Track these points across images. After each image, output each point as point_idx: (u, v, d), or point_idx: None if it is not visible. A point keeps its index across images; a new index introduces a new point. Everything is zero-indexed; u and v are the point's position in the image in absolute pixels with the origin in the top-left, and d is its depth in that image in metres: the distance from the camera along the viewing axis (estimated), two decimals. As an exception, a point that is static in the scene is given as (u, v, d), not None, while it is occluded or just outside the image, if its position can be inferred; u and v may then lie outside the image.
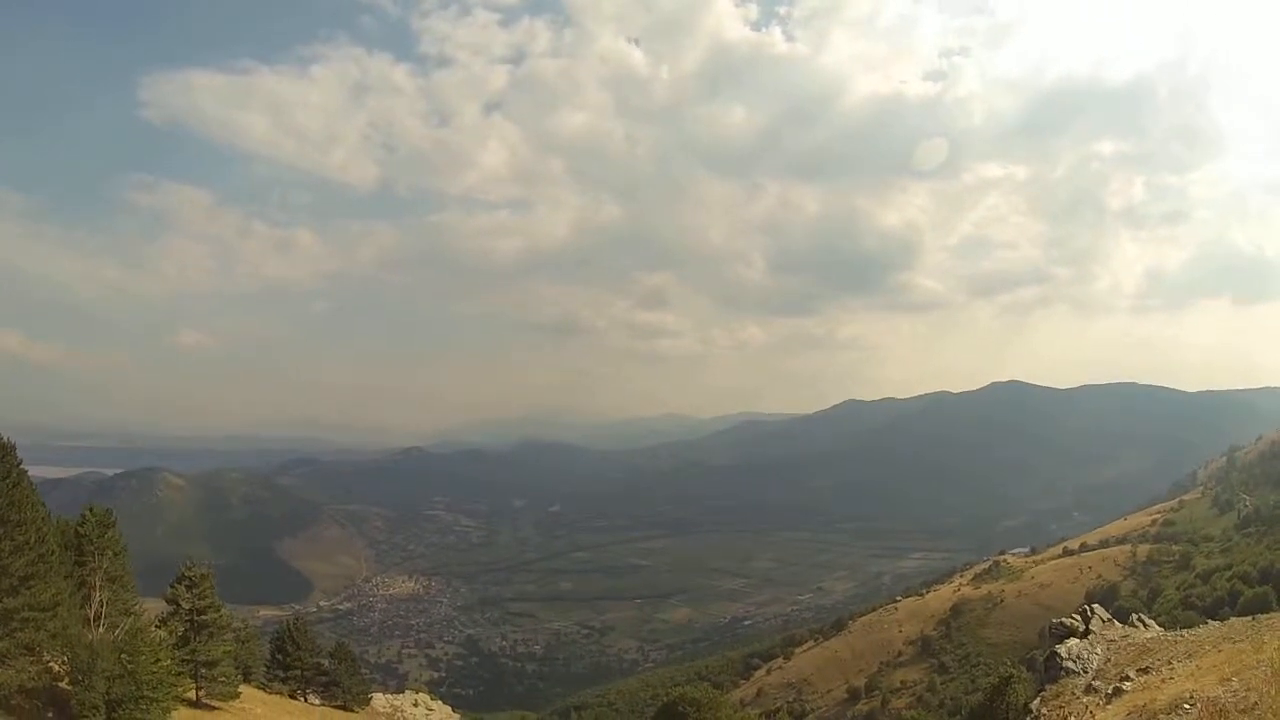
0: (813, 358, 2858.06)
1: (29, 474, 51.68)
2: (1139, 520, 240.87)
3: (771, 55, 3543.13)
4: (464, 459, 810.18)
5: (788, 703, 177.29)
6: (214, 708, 66.99)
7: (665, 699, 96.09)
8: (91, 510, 66.39)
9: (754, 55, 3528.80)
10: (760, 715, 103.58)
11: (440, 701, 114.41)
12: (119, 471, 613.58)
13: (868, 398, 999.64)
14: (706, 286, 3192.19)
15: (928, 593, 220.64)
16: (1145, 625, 51.63)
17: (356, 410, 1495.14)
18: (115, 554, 63.70)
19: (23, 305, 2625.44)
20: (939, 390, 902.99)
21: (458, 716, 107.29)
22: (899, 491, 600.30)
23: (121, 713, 47.49)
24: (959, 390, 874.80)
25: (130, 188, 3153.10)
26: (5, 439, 50.11)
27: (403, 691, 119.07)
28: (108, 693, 46.88)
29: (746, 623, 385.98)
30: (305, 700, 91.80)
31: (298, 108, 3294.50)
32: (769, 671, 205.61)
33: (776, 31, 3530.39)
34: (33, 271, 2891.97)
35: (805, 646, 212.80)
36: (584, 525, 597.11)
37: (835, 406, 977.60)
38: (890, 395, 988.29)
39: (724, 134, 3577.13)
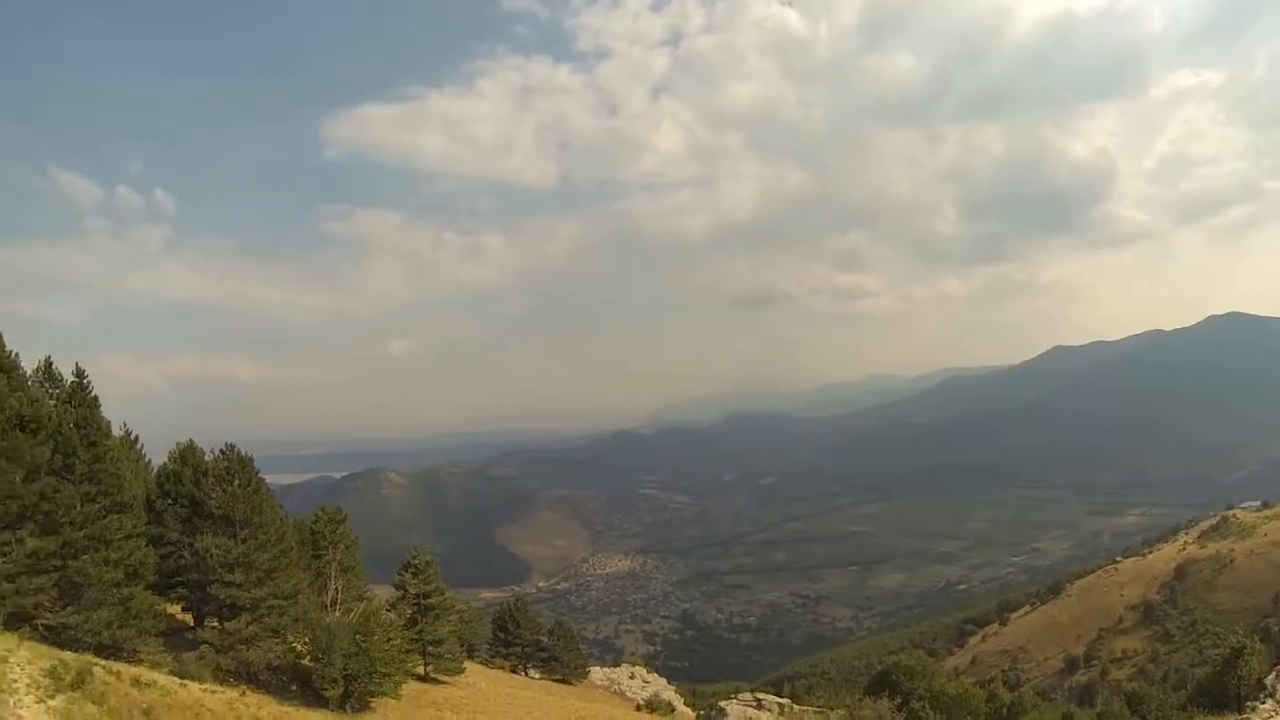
0: (1015, 305, 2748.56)
1: (267, 482, 58.64)
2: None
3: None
4: (674, 437, 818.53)
5: (1002, 671, 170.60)
6: (441, 681, 73.11)
7: (879, 667, 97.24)
8: (324, 510, 74.08)
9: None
10: (974, 684, 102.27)
11: (656, 674, 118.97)
12: (346, 474, 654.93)
13: (1075, 342, 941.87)
14: (900, 242, 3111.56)
15: (1150, 552, 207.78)
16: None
17: (564, 399, 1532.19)
18: (347, 547, 71.02)
19: (249, 336, 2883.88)
20: (1151, 329, 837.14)
21: (672, 688, 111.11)
22: (1114, 442, 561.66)
23: (357, 686, 53.33)
24: (1173, 327, 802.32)
25: (327, 219, 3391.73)
26: (245, 453, 57.12)
27: (619, 665, 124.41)
28: (345, 668, 52.68)
29: (961, 587, 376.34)
30: (526, 674, 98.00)
31: (470, 122, 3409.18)
32: (984, 638, 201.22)
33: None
34: (254, 306, 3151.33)
35: (1021, 612, 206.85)
36: (796, 495, 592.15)
37: (1042, 355, 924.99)
38: (1099, 338, 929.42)
39: (895, 84, 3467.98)
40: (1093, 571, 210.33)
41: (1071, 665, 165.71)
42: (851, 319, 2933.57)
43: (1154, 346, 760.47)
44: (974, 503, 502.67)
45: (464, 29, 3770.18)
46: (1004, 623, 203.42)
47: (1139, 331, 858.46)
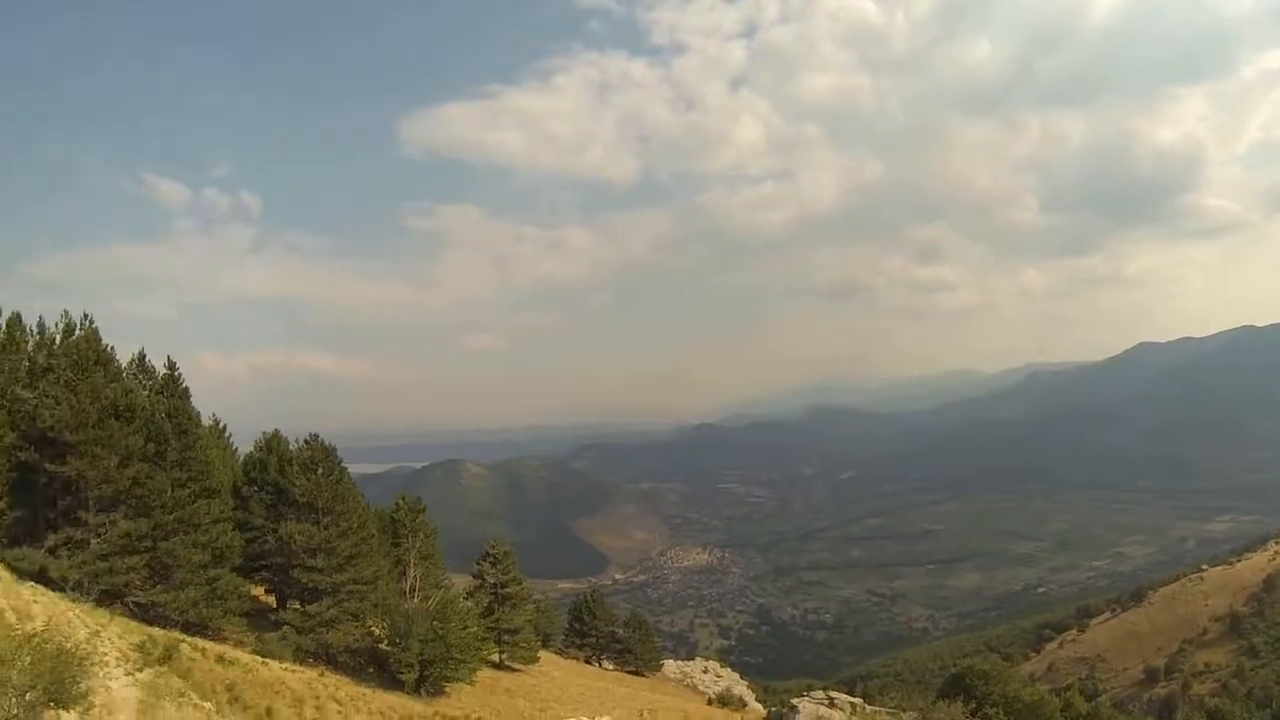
0: (1099, 299, 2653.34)
1: (349, 472, 60.37)
2: None
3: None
4: (754, 431, 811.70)
5: (1079, 679, 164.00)
6: (515, 669, 74.51)
7: (953, 670, 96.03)
8: (404, 499, 75.95)
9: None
10: (1050, 692, 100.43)
11: (729, 669, 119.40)
12: (426, 464, 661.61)
13: (1161, 338, 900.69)
14: (980, 234, 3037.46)
15: (1237, 561, 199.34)
16: None
17: (645, 392, 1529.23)
18: (426, 536, 72.75)
19: (333, 330, 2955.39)
20: (1242, 325, 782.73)
21: (744, 684, 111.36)
22: (1202, 443, 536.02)
23: (433, 671, 54.79)
24: (1266, 323, 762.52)
25: (408, 215, 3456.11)
26: (328, 443, 58.89)
27: (693, 659, 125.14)
28: (421, 654, 54.19)
29: (1039, 590, 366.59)
30: (599, 665, 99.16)
31: (547, 118, 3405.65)
32: (1061, 644, 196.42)
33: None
34: (336, 299, 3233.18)
35: (1101, 618, 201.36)
36: (875, 490, 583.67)
37: (1127, 350, 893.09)
38: (1187, 334, 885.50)
39: (972, 72, 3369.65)
40: (1177, 579, 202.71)
41: (1151, 677, 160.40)
42: (931, 312, 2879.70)
43: (1245, 344, 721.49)
44: (1055, 503, 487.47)
45: (538, 27, 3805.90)
46: (1083, 629, 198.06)
47: (1229, 328, 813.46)
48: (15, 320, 54.94)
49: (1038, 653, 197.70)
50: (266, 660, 43.57)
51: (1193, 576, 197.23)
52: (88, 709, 16.68)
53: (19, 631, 19.73)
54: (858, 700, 66.76)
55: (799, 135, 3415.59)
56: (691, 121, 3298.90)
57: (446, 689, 56.47)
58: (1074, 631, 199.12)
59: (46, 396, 43.66)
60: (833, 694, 66.44)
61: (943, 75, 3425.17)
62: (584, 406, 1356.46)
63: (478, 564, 79.99)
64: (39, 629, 19.65)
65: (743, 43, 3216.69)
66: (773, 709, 70.60)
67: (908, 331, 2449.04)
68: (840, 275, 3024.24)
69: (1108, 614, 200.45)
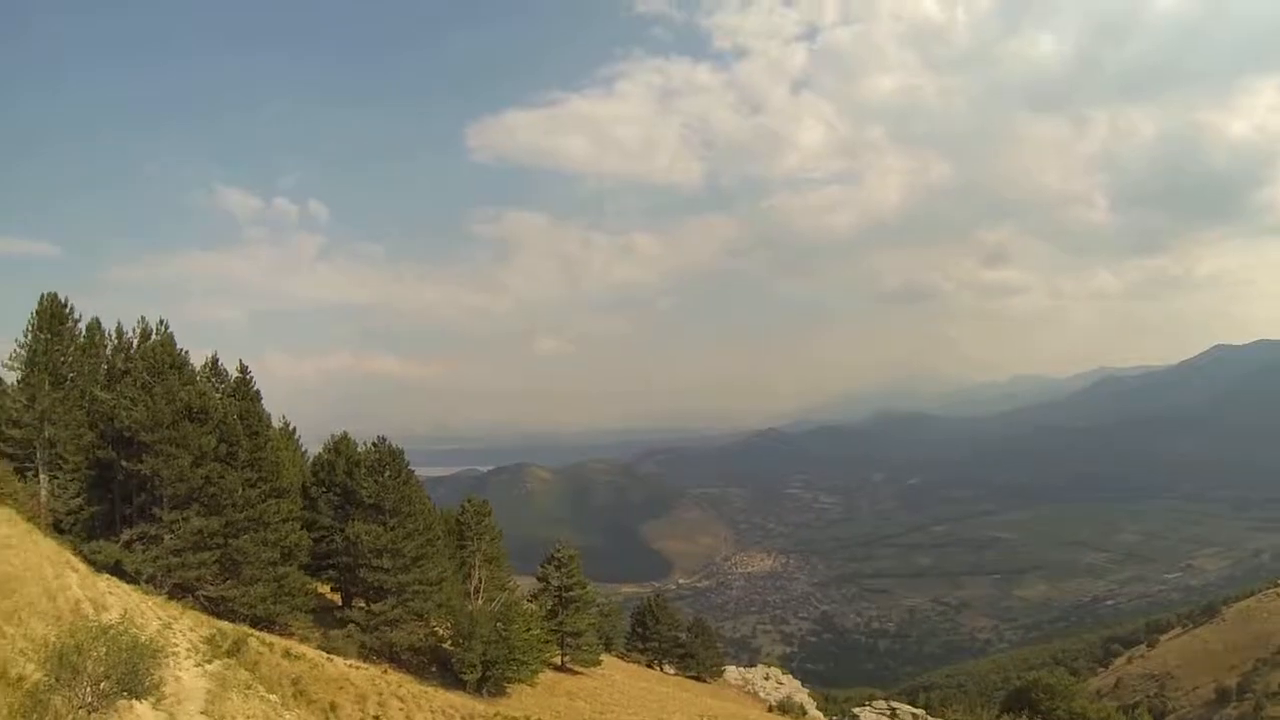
0: (1172, 300, 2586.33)
1: (416, 474, 61.40)
2: None
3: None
4: (821, 436, 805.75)
5: (1148, 697, 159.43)
6: (577, 672, 74.96)
7: (1018, 683, 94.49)
8: (470, 501, 76.78)
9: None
10: (1117, 709, 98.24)
11: (790, 676, 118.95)
12: (492, 468, 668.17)
13: (1238, 341, 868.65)
14: (1049, 235, 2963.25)
15: None
16: None
17: (712, 397, 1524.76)
18: (491, 538, 73.57)
19: (398, 333, 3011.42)
20: None
21: (805, 691, 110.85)
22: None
23: (495, 671, 55.56)
24: None
25: (475, 221, 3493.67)
26: (395, 446, 59.99)
27: (754, 665, 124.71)
28: (484, 654, 54.99)
29: (1108, 603, 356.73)
30: (661, 669, 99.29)
31: (612, 123, 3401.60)
32: (1129, 660, 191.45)
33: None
34: (403, 305, 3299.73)
35: (1171, 634, 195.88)
36: (942, 497, 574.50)
37: (1202, 354, 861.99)
38: (1265, 336, 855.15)
39: (1037, 68, 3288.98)
40: (1252, 594, 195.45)
41: (1223, 697, 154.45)
42: (1000, 316, 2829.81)
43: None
44: (1125, 513, 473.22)
45: (599, 34, 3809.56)
46: (1152, 645, 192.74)
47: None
48: (95, 325, 57.08)
49: (1105, 668, 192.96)
50: (332, 656, 44.50)
51: (1269, 591, 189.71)
52: (159, 699, 17.30)
53: (95, 622, 20.51)
54: (920, 711, 66.39)
55: (863, 137, 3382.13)
56: (755, 125, 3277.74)
57: (508, 690, 57.16)
58: (1143, 647, 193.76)
59: (124, 398, 45.34)
60: (894, 704, 66.23)
61: (1007, 72, 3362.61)
62: (651, 412, 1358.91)
63: (542, 567, 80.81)
64: (115, 620, 20.42)
65: (804, 45, 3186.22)
66: (834, 718, 70.32)
67: (976, 336, 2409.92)
68: (907, 279, 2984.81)
69: (1178, 630, 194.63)
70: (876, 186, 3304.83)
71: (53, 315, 52.32)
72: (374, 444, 60.11)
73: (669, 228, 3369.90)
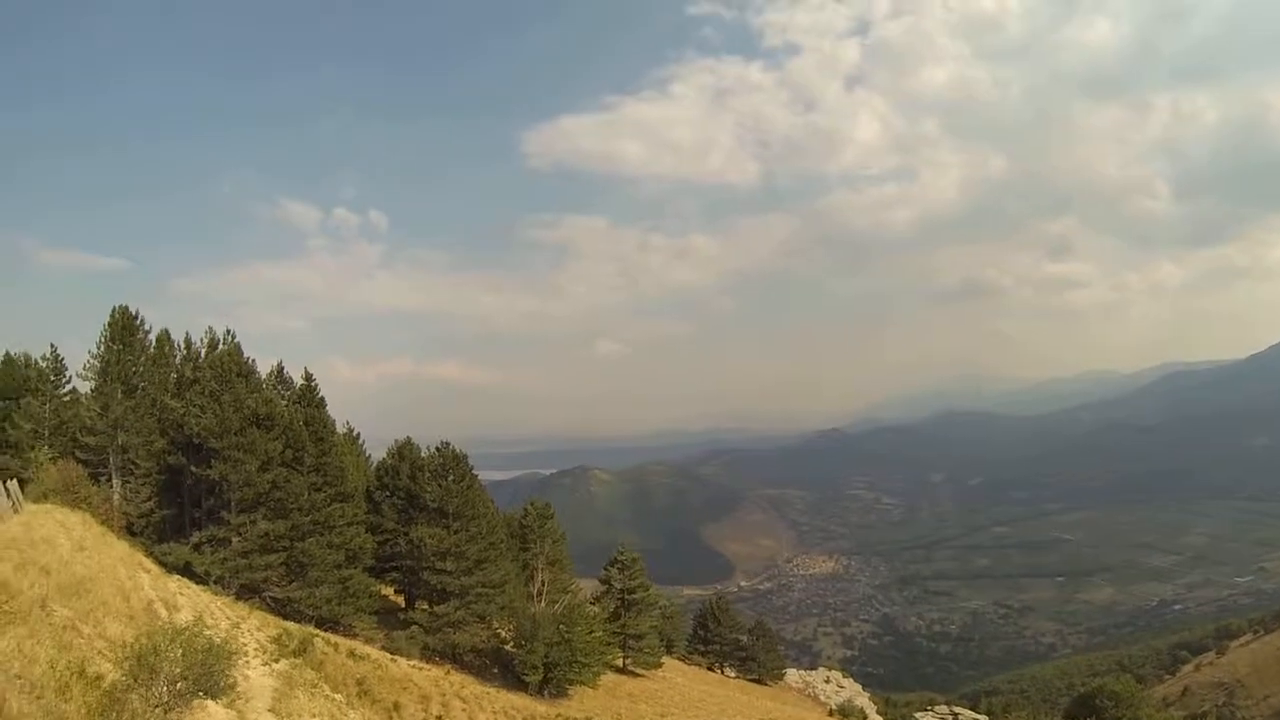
0: (1240, 291, 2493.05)
1: (479, 478, 62.14)
2: None
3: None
4: (883, 436, 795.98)
5: (1216, 706, 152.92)
6: (638, 674, 75.26)
7: (1082, 690, 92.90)
8: (533, 505, 77.41)
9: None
10: (1185, 718, 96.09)
11: (851, 679, 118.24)
12: (554, 471, 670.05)
13: None
14: (1110, 226, 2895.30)
15: None
16: None
17: (772, 398, 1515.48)
18: (554, 541, 74.17)
19: (458, 339, 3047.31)
20: None
21: (866, 695, 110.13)
22: None
23: (557, 673, 55.94)
24: None
25: (533, 226, 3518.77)
26: (459, 450, 60.77)
27: (815, 668, 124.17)
28: (546, 656, 55.42)
29: (1176, 607, 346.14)
30: (721, 672, 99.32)
31: (667, 125, 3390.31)
32: (1197, 667, 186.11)
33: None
34: (462, 311, 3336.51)
35: (1241, 640, 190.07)
36: (1004, 498, 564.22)
37: (1273, 347, 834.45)
38: None
39: (1093, 54, 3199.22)
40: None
41: None
42: (1062, 310, 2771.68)
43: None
44: (1194, 513, 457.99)
45: (650, 37, 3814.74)
46: (1221, 651, 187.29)
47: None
48: (164, 336, 58.99)
49: (1172, 675, 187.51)
50: (395, 657, 45.28)
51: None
52: (232, 701, 17.84)
53: (167, 623, 21.16)
54: (981, 717, 65.47)
55: (918, 132, 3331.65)
56: (810, 123, 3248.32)
57: (569, 691, 57.52)
58: (1212, 654, 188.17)
59: (193, 406, 46.69)
60: (956, 709, 65.48)
61: (1062, 59, 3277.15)
62: (712, 413, 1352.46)
63: (606, 569, 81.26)
64: (189, 621, 21.05)
65: (856, 40, 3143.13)
66: (894, 722, 69.85)
67: (1038, 332, 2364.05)
68: (967, 275, 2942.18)
69: (1249, 636, 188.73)
70: (932, 182, 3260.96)
71: (124, 327, 53.95)
72: (438, 448, 60.97)
73: (726, 228, 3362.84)
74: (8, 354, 61.72)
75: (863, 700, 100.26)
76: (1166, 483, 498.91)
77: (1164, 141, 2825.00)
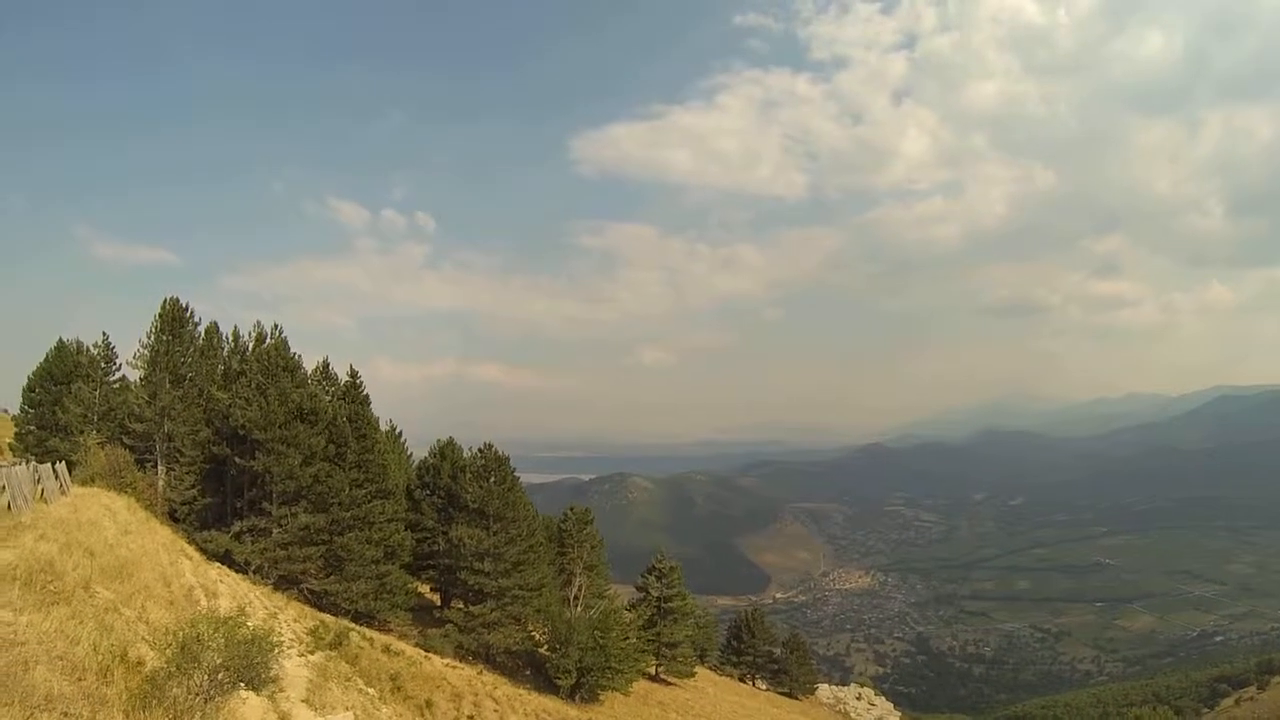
0: None
1: (520, 480, 62.25)
2: None
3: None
4: (924, 453, 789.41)
5: None
6: (671, 683, 75.03)
7: None
8: (572, 509, 77.58)
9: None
10: None
11: (882, 697, 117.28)
12: (594, 476, 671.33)
13: None
14: (1161, 245, 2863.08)
15: None
16: None
17: (815, 410, 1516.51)
18: (592, 546, 74.27)
19: (501, 342, 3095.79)
20: None
21: (897, 714, 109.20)
22: None
23: (589, 678, 55.80)
24: None
25: (579, 233, 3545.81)
26: (501, 452, 60.93)
27: (847, 684, 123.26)
28: (580, 661, 55.31)
29: (1217, 639, 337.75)
30: (753, 684, 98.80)
31: (714, 136, 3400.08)
32: (1237, 701, 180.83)
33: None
34: (506, 314, 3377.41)
35: None
36: (1044, 519, 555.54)
37: None
38: None
39: (1144, 68, 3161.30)
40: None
41: None
42: (1110, 330, 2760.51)
43: None
44: (1240, 543, 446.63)
45: (698, 47, 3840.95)
46: (1263, 686, 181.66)
47: None
48: (213, 328, 59.86)
49: (1210, 709, 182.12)
50: (429, 655, 45.47)
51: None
52: (274, 694, 17.92)
53: (208, 609, 21.32)
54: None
55: (966, 146, 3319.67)
56: (857, 136, 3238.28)
57: (601, 697, 57.38)
58: (1253, 688, 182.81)
59: (239, 398, 47.28)
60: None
61: (1112, 74, 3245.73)
62: (754, 424, 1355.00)
63: (643, 576, 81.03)
64: (230, 610, 21.22)
65: (903, 54, 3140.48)
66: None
67: (1086, 351, 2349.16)
68: (1013, 293, 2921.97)
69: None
70: (980, 197, 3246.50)
71: (174, 318, 54.72)
72: (480, 450, 61.09)
73: (772, 240, 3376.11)
74: (60, 340, 63.06)
75: (894, 719, 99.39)
76: (1213, 509, 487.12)
77: (1216, 158, 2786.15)
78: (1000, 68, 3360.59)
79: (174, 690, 12.41)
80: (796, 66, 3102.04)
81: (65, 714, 9.38)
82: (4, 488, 22.28)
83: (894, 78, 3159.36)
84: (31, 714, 8.92)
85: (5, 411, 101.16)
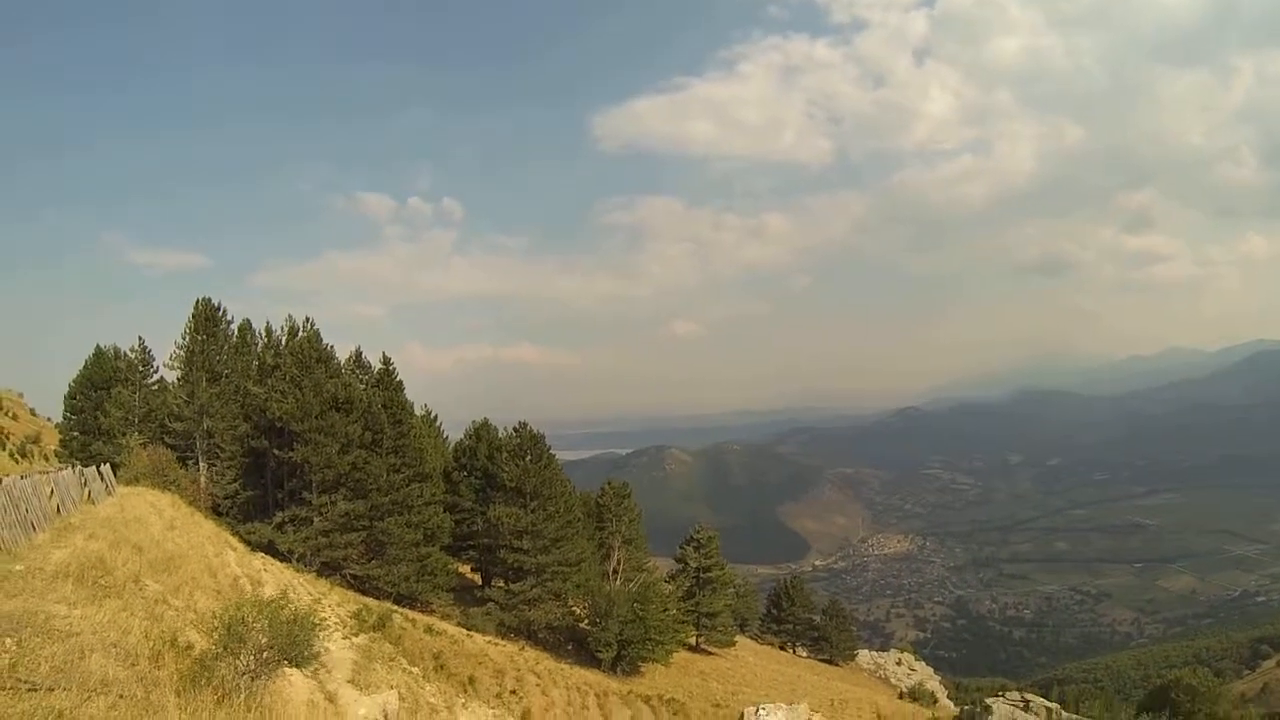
0: None
1: (556, 457, 63.01)
2: None
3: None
4: (960, 415, 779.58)
5: None
6: (711, 653, 75.74)
7: (1158, 682, 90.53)
8: (610, 484, 78.43)
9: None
10: (1263, 716, 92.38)
11: (922, 662, 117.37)
12: (631, 450, 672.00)
13: None
14: (1194, 197, 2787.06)
15: None
16: None
17: (849, 376, 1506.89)
18: (630, 520, 75.13)
19: (534, 322, 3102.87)
20: None
21: (937, 679, 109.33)
22: None
23: (630, 651, 56.55)
24: None
25: (607, 210, 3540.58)
26: (536, 430, 61.70)
27: (887, 650, 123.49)
28: (620, 634, 56.07)
29: (1259, 599, 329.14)
30: (794, 652, 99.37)
31: (736, 105, 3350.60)
32: (1279, 664, 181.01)
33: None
34: (538, 295, 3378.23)
35: None
36: (1082, 479, 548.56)
37: None
38: None
39: (1171, 15, 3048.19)
40: None
41: None
42: (1144, 285, 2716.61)
43: None
44: None
45: (716, 16, 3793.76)
46: None
47: None
48: (245, 325, 61.25)
49: (1251, 670, 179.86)
50: (471, 633, 46.39)
51: None
52: (315, 671, 18.66)
53: (255, 597, 22.14)
54: (1054, 705, 63.81)
55: (992, 104, 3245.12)
56: (881, 98, 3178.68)
57: (642, 669, 58.10)
58: None
59: (275, 391, 48.29)
60: (1028, 696, 64.20)
61: (1137, 23, 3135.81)
62: (788, 391, 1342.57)
63: (681, 548, 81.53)
64: (274, 596, 22.01)
65: (924, 12, 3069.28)
66: (965, 707, 68.92)
67: (1120, 308, 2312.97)
68: (1045, 250, 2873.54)
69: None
70: (1007, 155, 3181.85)
71: (207, 318, 56.01)
72: (515, 429, 61.84)
73: (798, 207, 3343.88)
74: (98, 347, 64.58)
75: (933, 684, 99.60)
76: (1253, 467, 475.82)
77: (1248, 106, 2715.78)
78: (1023, 21, 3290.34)
79: (221, 670, 13.11)
80: (816, 31, 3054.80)
81: (121, 695, 10.03)
82: (52, 492, 23.21)
83: (915, 37, 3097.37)
84: (89, 696, 9.56)
85: (49, 420, 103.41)
